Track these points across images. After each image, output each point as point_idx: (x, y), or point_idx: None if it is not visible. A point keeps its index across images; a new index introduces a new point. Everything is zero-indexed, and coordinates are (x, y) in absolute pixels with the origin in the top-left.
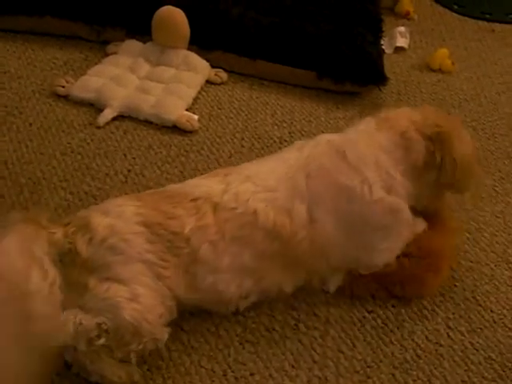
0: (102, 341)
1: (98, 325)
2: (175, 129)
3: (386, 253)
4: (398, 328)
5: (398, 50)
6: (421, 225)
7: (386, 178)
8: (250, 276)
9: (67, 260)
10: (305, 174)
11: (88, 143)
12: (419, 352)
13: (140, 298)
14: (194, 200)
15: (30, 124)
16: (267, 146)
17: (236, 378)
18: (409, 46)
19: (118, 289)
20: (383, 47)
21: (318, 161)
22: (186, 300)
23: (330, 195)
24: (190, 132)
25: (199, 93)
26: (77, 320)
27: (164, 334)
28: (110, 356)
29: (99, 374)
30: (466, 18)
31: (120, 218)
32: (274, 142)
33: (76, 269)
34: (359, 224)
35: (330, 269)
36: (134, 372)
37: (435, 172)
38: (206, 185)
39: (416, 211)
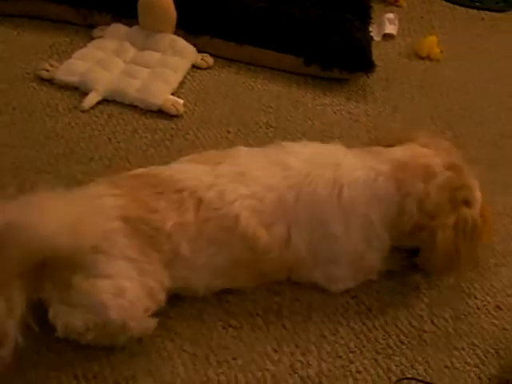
0: (89, 335)
1: (85, 323)
2: (160, 113)
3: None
4: (381, 314)
5: (387, 37)
6: None
7: (369, 229)
8: (222, 277)
9: (48, 260)
10: (296, 194)
11: (72, 127)
12: (402, 338)
13: (125, 293)
14: (178, 192)
15: (14, 108)
16: (253, 132)
17: (218, 362)
18: (397, 33)
19: (103, 284)
20: (371, 34)
21: (314, 187)
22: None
23: (310, 225)
24: (176, 116)
25: (185, 77)
26: (64, 320)
27: (150, 323)
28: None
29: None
30: (456, 5)
31: (99, 212)
32: (260, 127)
33: (58, 269)
34: (326, 257)
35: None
36: None
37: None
38: (193, 174)
39: None
